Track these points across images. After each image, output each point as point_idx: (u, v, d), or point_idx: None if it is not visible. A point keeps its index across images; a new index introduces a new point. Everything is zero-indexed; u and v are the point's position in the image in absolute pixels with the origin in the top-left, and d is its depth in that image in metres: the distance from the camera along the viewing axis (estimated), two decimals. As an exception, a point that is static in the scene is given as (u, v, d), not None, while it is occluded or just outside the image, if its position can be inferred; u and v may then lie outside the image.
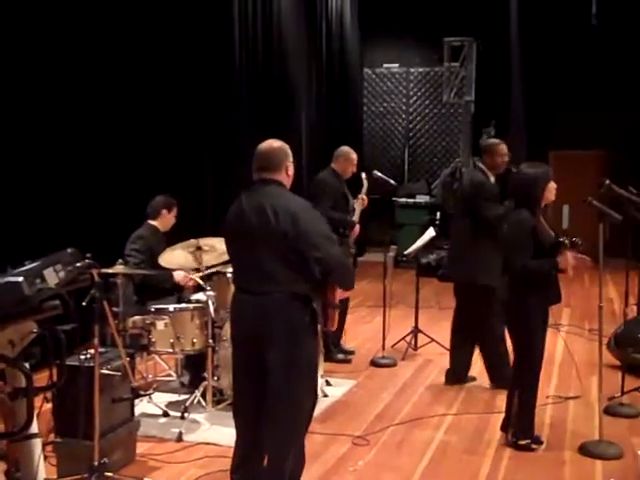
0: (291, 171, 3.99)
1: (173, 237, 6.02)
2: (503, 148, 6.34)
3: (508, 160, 6.34)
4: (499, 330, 6.21)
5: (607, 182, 5.11)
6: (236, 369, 4.05)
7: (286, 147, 4.01)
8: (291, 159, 4.00)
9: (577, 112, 14.19)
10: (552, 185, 4.97)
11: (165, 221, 6.24)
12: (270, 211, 3.75)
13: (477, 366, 6.54)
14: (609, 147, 14.26)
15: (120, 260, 5.45)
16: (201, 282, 5.78)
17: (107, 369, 4.43)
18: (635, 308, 7.79)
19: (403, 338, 7.59)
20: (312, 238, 3.70)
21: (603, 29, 13.02)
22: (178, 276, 6.04)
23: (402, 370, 6.97)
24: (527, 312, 4.89)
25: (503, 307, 5.17)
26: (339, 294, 4.00)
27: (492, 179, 6.31)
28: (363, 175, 7.29)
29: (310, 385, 3.94)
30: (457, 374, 6.50)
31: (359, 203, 7.20)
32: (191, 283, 6.10)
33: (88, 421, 4.10)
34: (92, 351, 4.15)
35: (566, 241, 4.79)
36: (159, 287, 5.99)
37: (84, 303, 3.96)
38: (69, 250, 3.49)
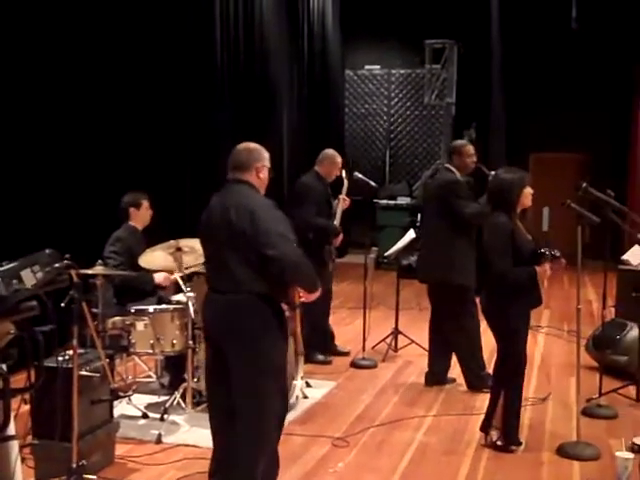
0: (263, 174, 4.00)
1: (153, 238, 5.98)
2: (470, 149, 6.43)
3: (476, 160, 6.41)
4: (473, 332, 6.25)
5: (584, 185, 5.16)
6: (207, 370, 4.11)
7: (261, 150, 4.04)
8: (265, 163, 4.02)
9: (557, 115, 14.29)
10: (528, 190, 5.00)
11: (139, 218, 6.16)
12: (232, 210, 3.81)
13: (457, 367, 6.56)
14: (589, 150, 14.36)
15: (99, 261, 5.44)
16: (181, 282, 5.76)
17: (86, 370, 4.41)
18: (613, 310, 7.87)
19: (383, 339, 7.60)
20: (267, 236, 3.71)
21: (583, 33, 13.10)
22: (159, 278, 6.01)
23: (382, 371, 6.98)
24: (508, 316, 4.92)
25: (483, 313, 5.20)
26: (304, 296, 3.99)
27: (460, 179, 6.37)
28: (343, 174, 7.28)
29: (276, 387, 3.88)
30: (436, 375, 6.52)
31: (340, 203, 7.18)
32: (170, 282, 6.06)
33: (66, 423, 4.07)
34: (71, 352, 4.12)
35: (547, 253, 4.83)
36: (139, 289, 5.95)
37: (63, 304, 3.94)
38: (47, 251, 3.47)
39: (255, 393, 3.82)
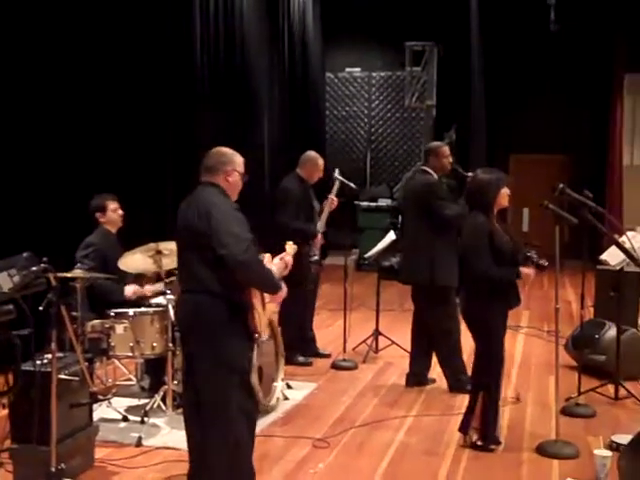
0: (232, 178, 4.03)
1: (133, 241, 5.95)
2: (446, 150, 6.48)
3: (452, 161, 6.46)
4: (455, 333, 6.28)
5: (561, 186, 5.19)
6: (182, 370, 4.17)
7: (232, 155, 4.09)
8: (236, 167, 4.05)
9: (537, 116, 14.40)
10: (505, 191, 5.04)
11: (108, 221, 6.10)
12: (194, 212, 3.89)
13: (438, 368, 6.58)
14: (569, 151, 14.47)
15: (78, 264, 5.42)
16: (149, 292, 5.79)
17: (65, 374, 4.39)
18: (592, 310, 7.93)
19: (364, 341, 7.62)
20: (220, 236, 3.75)
21: (562, 34, 13.20)
22: (128, 291, 5.96)
23: (363, 373, 7.00)
24: (488, 317, 4.95)
25: (462, 314, 5.22)
26: (270, 298, 4.03)
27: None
28: (336, 173, 7.31)
29: (237, 383, 3.89)
30: (417, 376, 6.54)
31: (328, 204, 7.19)
32: (139, 295, 6.02)
33: (45, 427, 4.05)
34: (49, 356, 4.11)
35: (534, 256, 4.88)
36: (107, 298, 5.85)
37: (41, 307, 3.92)
38: (25, 254, 3.47)
39: (215, 389, 3.86)
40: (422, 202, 6.29)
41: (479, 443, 5.03)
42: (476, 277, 4.97)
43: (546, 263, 4.93)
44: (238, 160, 4.09)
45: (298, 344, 7.16)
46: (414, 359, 6.59)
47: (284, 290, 4.06)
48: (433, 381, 6.59)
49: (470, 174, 5.77)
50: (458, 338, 6.31)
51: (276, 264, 4.28)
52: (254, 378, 5.26)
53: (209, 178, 4.04)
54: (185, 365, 4.05)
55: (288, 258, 4.37)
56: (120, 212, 6.16)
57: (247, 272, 3.80)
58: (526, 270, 4.92)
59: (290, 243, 4.62)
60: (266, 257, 4.18)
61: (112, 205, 6.12)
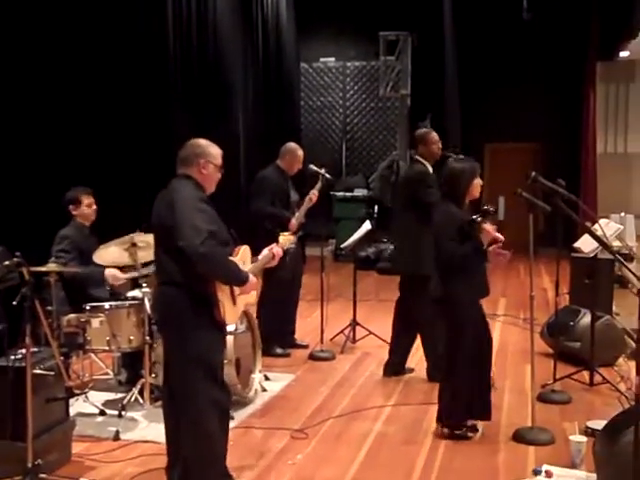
0: (206, 170, 4.02)
1: (109, 234, 5.92)
2: (435, 136, 6.44)
3: (441, 147, 6.44)
4: (437, 323, 6.29)
5: (533, 174, 5.22)
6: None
7: (207, 146, 4.07)
8: (210, 159, 4.04)
9: (511, 105, 14.45)
10: (477, 181, 5.05)
11: (81, 215, 6.04)
12: (163, 204, 3.92)
13: (415, 357, 6.61)
14: (543, 139, 14.55)
15: (52, 258, 5.38)
16: (124, 278, 5.77)
17: (40, 369, 4.36)
18: (567, 297, 7.99)
19: (341, 331, 7.63)
20: (181, 228, 3.75)
21: (535, 23, 13.26)
22: (108, 272, 5.93)
23: (341, 363, 7.01)
24: (454, 303, 4.97)
25: (433, 301, 5.23)
26: (239, 290, 4.02)
27: (430, 168, 6.37)
28: (322, 171, 7.31)
29: (206, 375, 3.89)
30: (395, 366, 6.56)
31: (308, 199, 7.18)
32: (117, 281, 6.00)
33: (21, 422, 4.03)
34: (24, 351, 4.08)
35: (478, 219, 4.86)
36: (87, 286, 5.84)
37: (15, 302, 3.90)
38: (-3, 249, 3.43)
39: (184, 381, 3.90)
40: (409, 191, 6.29)
41: (457, 432, 5.06)
42: (445, 259, 4.97)
43: (492, 209, 4.90)
44: (214, 152, 4.07)
45: (276, 335, 7.16)
46: (394, 348, 6.60)
47: (252, 282, 4.03)
48: (411, 370, 6.61)
49: (460, 156, 5.82)
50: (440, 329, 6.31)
51: (263, 255, 4.29)
52: (231, 370, 5.27)
53: (183, 170, 4.04)
54: (164, 355, 4.11)
55: (277, 249, 4.34)
56: (94, 207, 6.12)
57: (206, 264, 3.78)
58: (485, 226, 4.87)
59: (285, 234, 4.59)
60: (242, 250, 4.17)
61: (86, 200, 6.07)
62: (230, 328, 5.34)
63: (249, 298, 4.23)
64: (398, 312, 6.64)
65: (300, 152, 7.24)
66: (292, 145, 7.26)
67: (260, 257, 4.35)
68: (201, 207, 3.86)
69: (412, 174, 6.45)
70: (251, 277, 4.02)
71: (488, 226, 4.91)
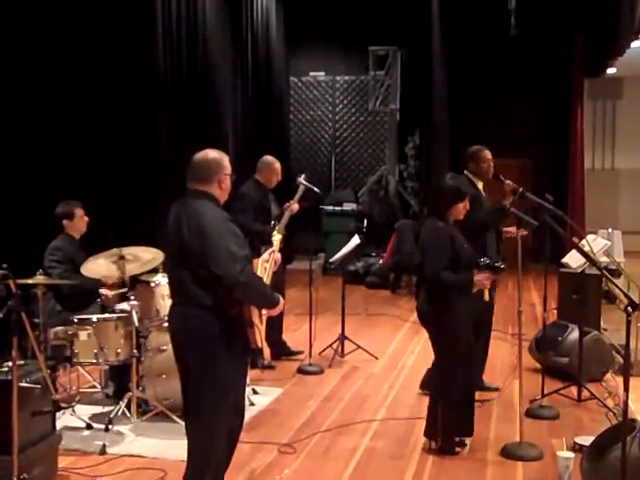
0: (225, 184, 3.94)
1: (96, 247, 5.90)
2: (488, 154, 6.28)
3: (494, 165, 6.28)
4: None
5: (520, 190, 5.25)
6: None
7: (220, 159, 3.95)
8: (227, 171, 3.95)
9: (499, 120, 14.52)
10: (462, 205, 5.03)
11: (74, 228, 6.07)
12: (185, 225, 3.78)
13: (404, 371, 6.59)
14: (532, 155, 14.61)
15: (40, 270, 5.36)
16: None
17: (26, 382, 4.32)
18: (555, 312, 8.01)
19: (330, 345, 7.62)
20: (216, 254, 3.67)
21: (522, 40, 13.34)
22: (102, 291, 5.96)
23: (329, 377, 6.99)
24: (445, 319, 4.95)
25: (420, 317, 5.22)
26: (267, 312, 3.98)
27: (480, 185, 6.21)
28: (301, 178, 7.28)
29: (226, 406, 3.86)
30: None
31: (289, 209, 7.17)
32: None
33: (6, 435, 3.99)
34: (10, 364, 4.05)
35: (487, 261, 4.88)
36: (89, 291, 5.88)
37: (1, 315, 3.87)
38: (-17, 261, 3.41)
39: (203, 403, 3.83)
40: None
41: (445, 446, 5.05)
42: (427, 277, 4.98)
43: (503, 265, 4.93)
44: (226, 162, 3.97)
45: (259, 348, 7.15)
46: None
47: (281, 303, 3.97)
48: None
49: (507, 182, 5.80)
50: None
51: (266, 260, 4.21)
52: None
53: (200, 187, 3.89)
54: (181, 377, 3.97)
55: (277, 255, 4.31)
56: (86, 219, 6.14)
57: (246, 292, 3.73)
58: (478, 276, 4.91)
59: (275, 234, 4.55)
60: (258, 264, 4.09)
61: (79, 212, 6.10)
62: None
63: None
64: None
65: (277, 164, 7.21)
66: (269, 158, 7.23)
67: (264, 271, 4.30)
68: (232, 229, 3.78)
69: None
70: (281, 298, 3.96)
71: (481, 276, 4.92)
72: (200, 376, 3.81)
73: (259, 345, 3.87)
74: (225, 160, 3.98)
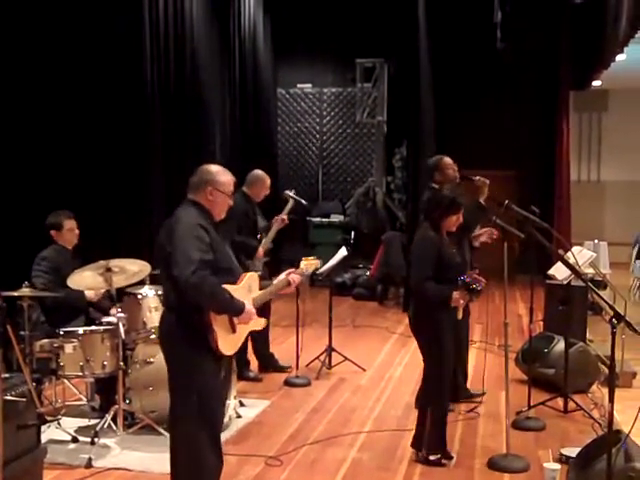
0: (213, 197, 3.98)
1: (86, 258, 5.87)
2: (448, 160, 6.37)
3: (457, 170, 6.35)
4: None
5: (506, 202, 5.27)
6: None
7: (217, 174, 4.03)
8: (220, 188, 4.00)
9: (486, 133, 14.58)
10: (454, 218, 5.06)
11: (63, 239, 6.05)
12: (164, 230, 3.94)
13: (392, 382, 6.60)
14: (517, 167, 14.68)
15: (26, 283, 5.34)
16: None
17: (11, 395, 4.30)
18: (542, 324, 8.04)
19: (317, 357, 7.61)
20: (175, 255, 3.75)
21: (508, 52, 13.41)
22: (89, 294, 5.94)
23: (316, 389, 6.98)
24: (434, 331, 4.97)
25: (411, 326, 5.24)
26: (239, 321, 3.94)
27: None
28: (291, 193, 7.30)
29: (199, 406, 3.85)
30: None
31: (278, 223, 7.19)
32: (99, 295, 5.99)
33: (-9, 449, 3.96)
34: (-5, 377, 4.03)
35: (466, 279, 4.89)
36: (72, 307, 5.85)
37: (-14, 327, 3.86)
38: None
39: (177, 405, 3.92)
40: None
41: (431, 458, 5.05)
42: (411, 285, 5.01)
43: (480, 287, 4.94)
44: (223, 179, 4.03)
45: (246, 359, 7.15)
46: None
47: (248, 311, 3.91)
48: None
49: (476, 178, 5.84)
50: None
51: (278, 280, 4.25)
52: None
53: (192, 195, 4.03)
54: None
55: (294, 276, 4.27)
56: (76, 232, 6.12)
57: (196, 295, 3.74)
58: (457, 295, 4.93)
59: (309, 259, 4.48)
60: (247, 277, 4.06)
61: (68, 224, 6.07)
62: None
63: (255, 325, 4.10)
64: None
65: (268, 181, 7.23)
66: (260, 173, 7.22)
67: (275, 282, 4.29)
68: (198, 234, 3.80)
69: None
70: (247, 307, 3.91)
71: (458, 294, 4.93)
72: (170, 379, 3.94)
73: (218, 350, 3.83)
74: (222, 176, 4.04)
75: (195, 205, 3.98)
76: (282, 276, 4.30)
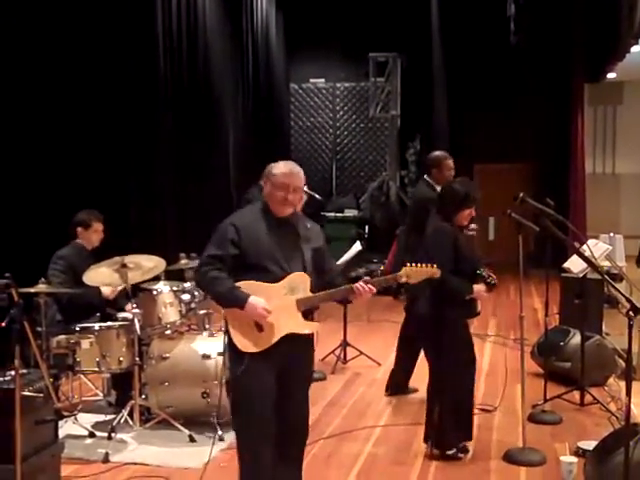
0: (266, 189, 3.97)
1: (100, 255, 5.90)
2: (451, 162, 6.35)
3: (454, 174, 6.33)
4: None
5: (521, 195, 5.23)
6: None
7: (272, 167, 4.00)
8: (270, 177, 3.96)
9: (500, 126, 14.54)
10: (467, 212, 5.02)
11: (86, 238, 6.08)
12: None
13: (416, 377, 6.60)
14: (532, 160, 14.63)
15: (42, 279, 5.36)
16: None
17: (29, 390, 4.32)
18: (557, 317, 8.01)
19: (332, 352, 7.62)
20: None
21: (522, 45, 13.37)
22: (106, 291, 5.96)
23: (331, 384, 6.99)
24: (446, 324, 4.94)
25: (420, 320, 5.21)
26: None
27: (438, 189, 6.27)
28: (305, 188, 7.28)
29: (240, 405, 3.95)
30: (398, 386, 6.50)
31: None
32: (116, 292, 6.01)
33: (9, 444, 3.99)
34: (13, 373, 4.05)
35: (484, 273, 4.88)
36: (88, 304, 5.87)
37: (3, 324, 3.87)
38: (-14, 270, 3.42)
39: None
40: (415, 215, 6.23)
41: (448, 452, 5.03)
42: (438, 283, 4.95)
43: (495, 281, 4.93)
44: (274, 170, 3.96)
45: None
46: (398, 367, 6.55)
47: (251, 304, 3.73)
48: (415, 390, 6.53)
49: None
50: None
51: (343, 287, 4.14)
52: (221, 390, 5.21)
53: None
54: None
55: (360, 285, 4.12)
56: (101, 235, 6.14)
57: (200, 285, 3.92)
58: (478, 287, 4.91)
59: (415, 267, 4.17)
60: (290, 276, 3.88)
61: (96, 225, 6.11)
62: (219, 349, 5.36)
63: (295, 327, 3.90)
64: (402, 334, 6.58)
65: None
66: None
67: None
68: (223, 229, 3.86)
69: (419, 197, 6.41)
70: (251, 300, 3.74)
71: (482, 287, 4.93)
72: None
73: (237, 348, 3.82)
74: (275, 168, 3.96)
75: (261, 200, 4.04)
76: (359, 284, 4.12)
